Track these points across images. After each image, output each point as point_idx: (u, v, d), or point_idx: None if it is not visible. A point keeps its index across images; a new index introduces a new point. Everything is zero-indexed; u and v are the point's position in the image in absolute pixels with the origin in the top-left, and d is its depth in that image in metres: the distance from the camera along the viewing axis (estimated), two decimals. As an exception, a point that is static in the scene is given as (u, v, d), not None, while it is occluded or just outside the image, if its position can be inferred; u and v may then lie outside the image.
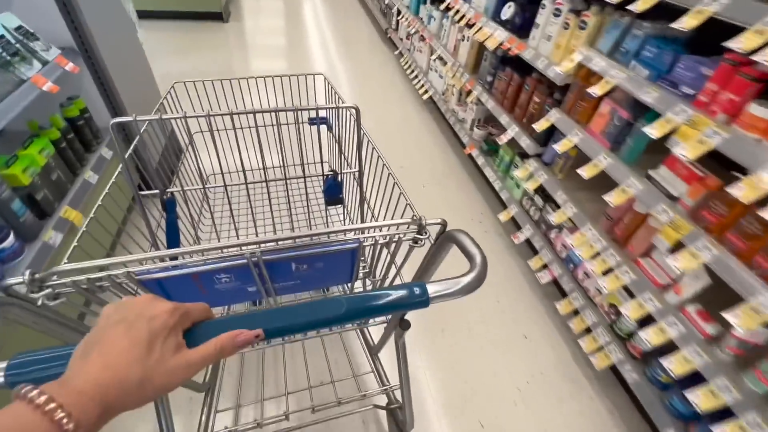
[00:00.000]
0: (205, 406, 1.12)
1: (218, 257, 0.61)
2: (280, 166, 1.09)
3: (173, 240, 1.04)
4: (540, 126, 1.81)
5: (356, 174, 1.10)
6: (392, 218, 0.68)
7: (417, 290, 0.52)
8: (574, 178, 1.82)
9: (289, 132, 1.10)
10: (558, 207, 1.84)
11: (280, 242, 0.60)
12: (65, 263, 0.55)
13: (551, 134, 1.90)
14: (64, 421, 0.30)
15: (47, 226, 1.44)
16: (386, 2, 4.67)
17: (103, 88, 1.85)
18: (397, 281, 0.78)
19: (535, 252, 2.04)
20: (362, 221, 1.14)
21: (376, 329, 1.18)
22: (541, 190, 1.97)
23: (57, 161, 1.54)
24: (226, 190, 1.05)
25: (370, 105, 3.60)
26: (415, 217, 0.65)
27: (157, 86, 2.60)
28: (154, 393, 0.37)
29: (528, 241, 2.08)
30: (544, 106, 1.89)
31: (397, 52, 4.30)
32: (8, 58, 1.37)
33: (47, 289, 0.51)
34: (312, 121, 1.15)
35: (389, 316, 0.93)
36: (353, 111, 0.94)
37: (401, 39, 4.30)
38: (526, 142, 2.02)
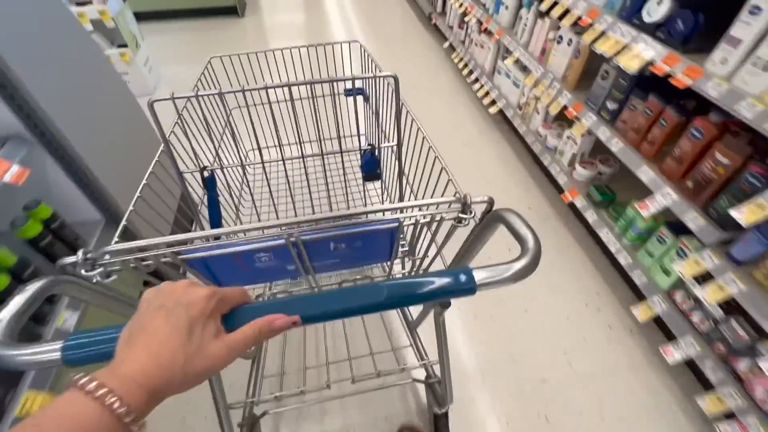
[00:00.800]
0: (253, 371, 1.19)
1: (259, 237, 0.60)
2: (317, 140, 1.02)
3: (215, 217, 1.03)
4: (748, 216, 1.11)
5: (394, 148, 1.05)
6: (433, 195, 0.67)
7: (463, 277, 0.48)
8: (800, 296, 1.13)
9: (325, 105, 1.10)
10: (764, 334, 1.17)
11: (318, 222, 0.59)
12: (115, 242, 0.60)
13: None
14: (116, 405, 0.31)
15: (-6, 442, 0.94)
16: (429, -20, 3.83)
17: (74, 173, 1.30)
18: (438, 261, 0.79)
19: (703, 381, 1.39)
20: (401, 198, 1.11)
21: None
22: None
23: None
24: (264, 166, 1.04)
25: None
26: (458, 195, 0.60)
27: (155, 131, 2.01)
28: (197, 378, 0.38)
29: (691, 361, 1.42)
30: (745, 175, 1.18)
31: (446, 45, 3.52)
32: None
33: (99, 267, 0.52)
34: (348, 92, 1.11)
35: None
36: (391, 80, 0.90)
37: (451, 27, 3.50)
38: (696, 223, 1.32)
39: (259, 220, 1.20)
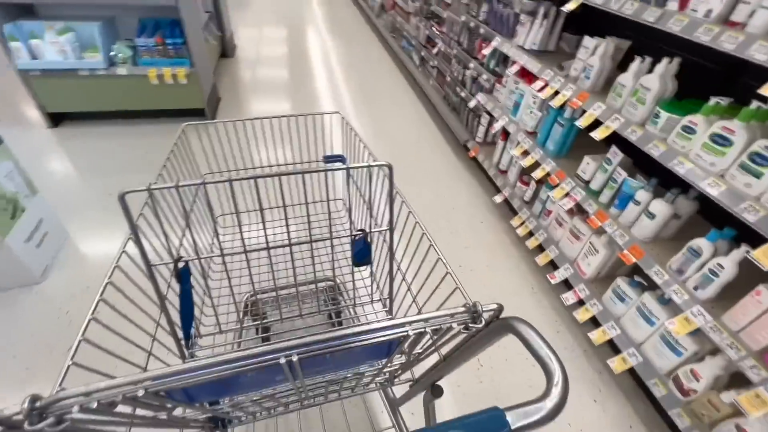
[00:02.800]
0: None
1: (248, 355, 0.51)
2: (305, 221, 0.95)
3: (188, 311, 0.93)
4: None
5: (384, 234, 1.04)
6: (423, 285, 0.82)
7: (495, 423, 0.44)
8: None
9: (313, 183, 1.14)
10: None
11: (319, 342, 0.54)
12: (70, 364, 0.56)
13: None
14: None
15: None
16: (470, 104, 2.91)
17: None
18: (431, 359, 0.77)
19: None
20: (391, 284, 1.06)
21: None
22: None
23: None
24: (247, 257, 0.94)
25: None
26: (468, 305, 0.58)
27: None
28: None
29: None
30: None
31: (499, 200, 2.52)
32: None
33: (50, 417, 0.43)
34: (327, 159, 1.14)
35: (415, 376, 0.89)
36: (385, 169, 0.90)
37: (503, 172, 2.53)
38: None
39: (237, 311, 1.13)
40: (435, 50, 3.60)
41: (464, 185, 2.83)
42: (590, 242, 1.81)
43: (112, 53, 2.81)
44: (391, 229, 0.97)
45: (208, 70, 3.41)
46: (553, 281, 1.98)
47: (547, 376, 0.48)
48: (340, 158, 1.22)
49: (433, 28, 3.68)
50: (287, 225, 0.94)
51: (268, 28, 5.89)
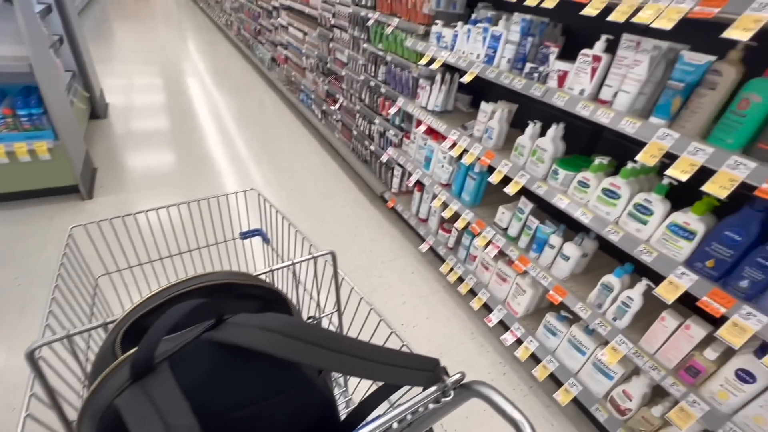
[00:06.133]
0: None
1: None
2: None
3: None
4: None
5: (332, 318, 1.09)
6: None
7: None
8: None
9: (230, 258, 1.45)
10: None
11: None
12: None
13: None
14: None
15: None
16: (382, 159, 3.01)
17: None
18: None
19: None
20: None
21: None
22: None
23: None
24: None
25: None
26: (439, 383, 0.60)
27: None
28: None
29: None
30: None
31: (424, 248, 2.59)
32: None
33: None
34: (244, 235, 1.17)
35: None
36: (329, 257, 0.96)
37: (423, 220, 2.64)
38: None
39: None
40: (337, 105, 3.68)
41: (388, 237, 2.87)
42: (517, 283, 1.97)
43: (-65, 131, 2.21)
44: (339, 313, 1.04)
45: (79, 139, 2.91)
46: (489, 324, 2.08)
47: None
48: (258, 232, 1.26)
49: (332, 84, 3.79)
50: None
51: (141, 79, 5.36)
